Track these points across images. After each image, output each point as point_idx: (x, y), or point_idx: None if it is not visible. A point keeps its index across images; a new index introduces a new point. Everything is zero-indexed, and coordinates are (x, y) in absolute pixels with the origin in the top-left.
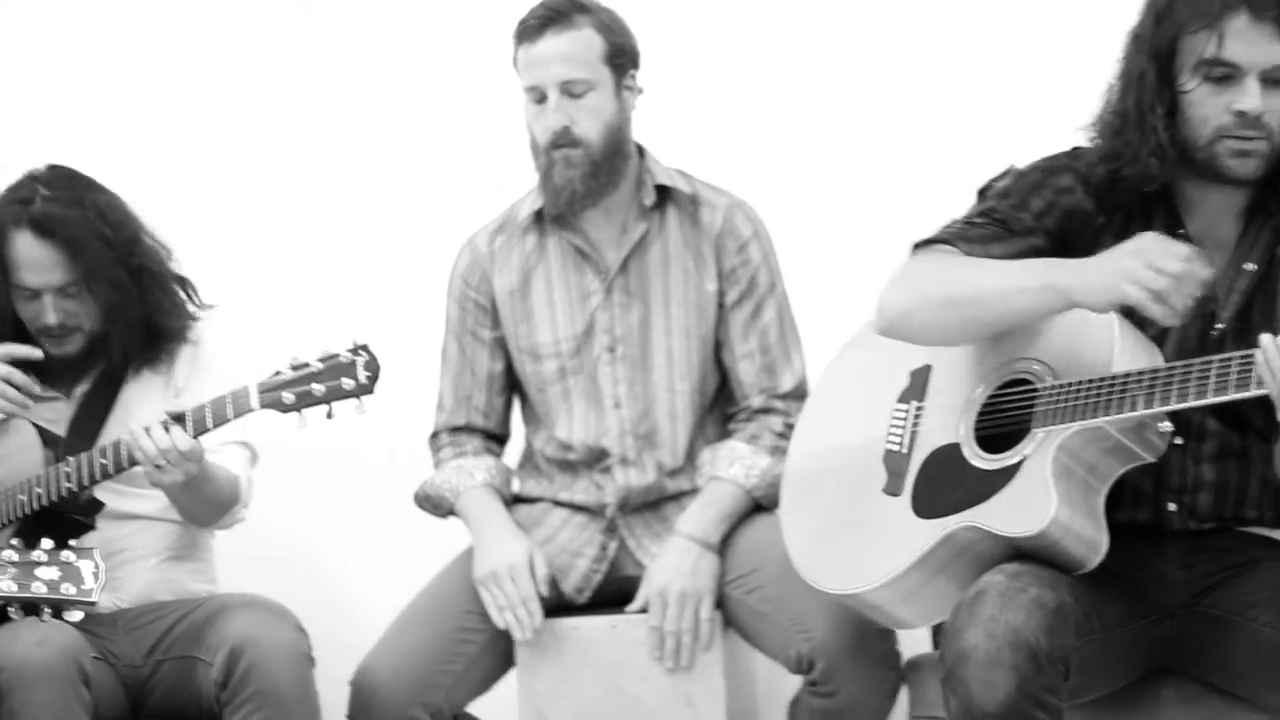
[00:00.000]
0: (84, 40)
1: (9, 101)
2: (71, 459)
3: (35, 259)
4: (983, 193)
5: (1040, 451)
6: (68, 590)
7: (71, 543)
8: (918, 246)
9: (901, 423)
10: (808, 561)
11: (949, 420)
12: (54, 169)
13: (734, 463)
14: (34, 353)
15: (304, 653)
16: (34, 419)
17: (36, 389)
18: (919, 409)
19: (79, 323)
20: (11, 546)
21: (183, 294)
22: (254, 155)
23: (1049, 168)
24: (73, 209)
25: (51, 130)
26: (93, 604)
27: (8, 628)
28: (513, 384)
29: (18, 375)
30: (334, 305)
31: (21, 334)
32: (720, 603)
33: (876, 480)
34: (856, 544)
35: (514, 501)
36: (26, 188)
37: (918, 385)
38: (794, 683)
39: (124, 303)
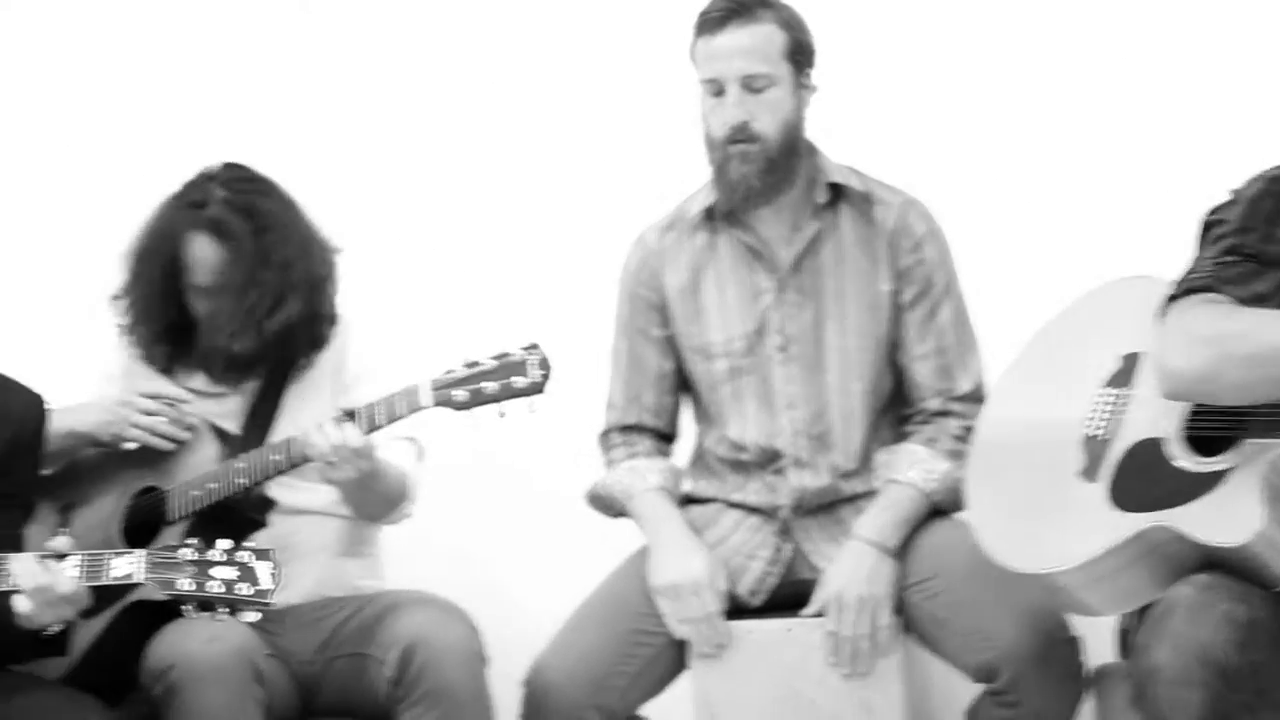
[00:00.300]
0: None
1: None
2: (245, 455)
3: (210, 259)
4: (1209, 224)
5: (1251, 463)
6: (244, 590)
7: (249, 544)
8: (1174, 297)
9: (1106, 408)
10: (993, 535)
11: (1155, 413)
12: (230, 168)
13: (913, 466)
14: (179, 393)
15: (477, 652)
16: (204, 414)
17: (190, 421)
18: (1125, 396)
19: (251, 320)
20: (189, 545)
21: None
22: (434, 154)
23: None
24: (242, 214)
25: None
26: (269, 605)
27: (180, 623)
28: (683, 383)
29: (168, 411)
30: (505, 305)
31: (185, 333)
32: (899, 608)
33: (1073, 463)
34: (1048, 524)
35: (685, 502)
36: (201, 189)
37: (1126, 372)
38: (971, 690)
39: (285, 304)
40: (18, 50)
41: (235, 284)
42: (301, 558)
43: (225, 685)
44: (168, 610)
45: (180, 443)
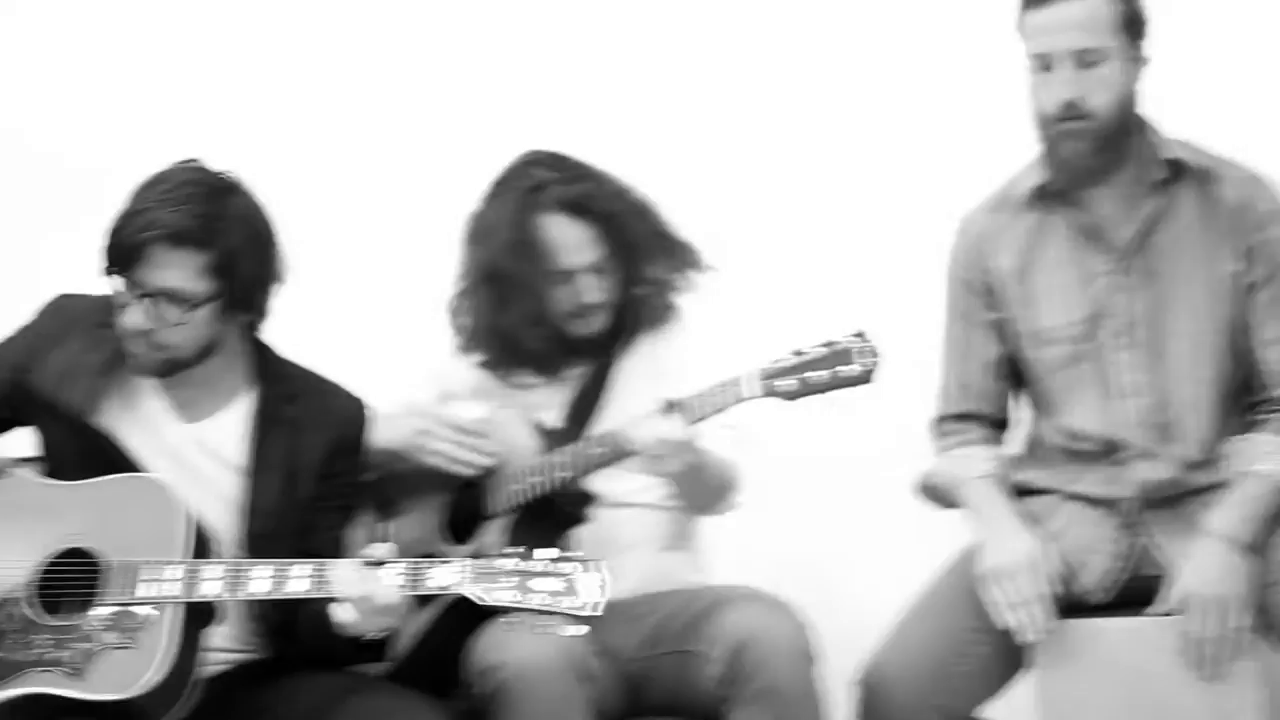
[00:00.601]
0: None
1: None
2: (565, 449)
3: (571, 239)
4: None
5: None
6: (568, 604)
7: (574, 554)
8: None
9: None
10: None
11: None
12: (538, 153)
13: (1266, 456)
14: (480, 413)
15: (808, 649)
16: (525, 406)
17: (490, 448)
18: None
19: (609, 299)
20: (510, 554)
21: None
22: (756, 139)
23: None
24: (592, 184)
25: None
26: (596, 617)
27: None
28: (1016, 369)
29: (467, 440)
30: (830, 290)
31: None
32: (1259, 607)
33: None
34: None
35: (1019, 493)
36: (527, 175)
37: None
38: None
39: (638, 273)
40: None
41: (590, 262)
42: (624, 551)
43: (554, 686)
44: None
45: (481, 469)
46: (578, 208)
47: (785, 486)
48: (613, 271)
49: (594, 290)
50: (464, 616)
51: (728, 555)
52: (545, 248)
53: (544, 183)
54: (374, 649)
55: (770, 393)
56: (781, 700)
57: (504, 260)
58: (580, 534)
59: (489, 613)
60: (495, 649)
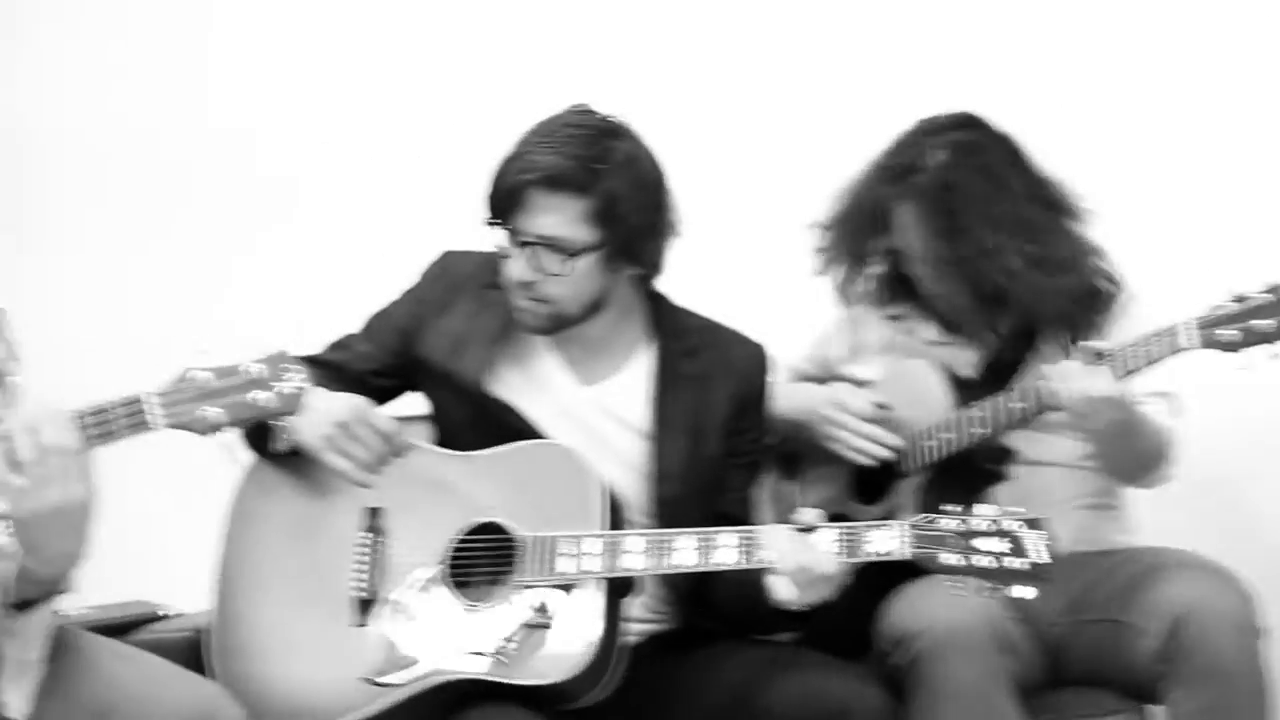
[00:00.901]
0: None
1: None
2: (981, 404)
3: (909, 229)
4: None
5: None
6: (1015, 564)
7: (1015, 510)
8: None
9: None
10: None
11: None
12: (964, 119)
13: None
14: (876, 372)
15: (1254, 624)
16: (939, 359)
17: (892, 440)
18: None
19: (952, 293)
20: (950, 513)
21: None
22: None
23: None
24: (953, 188)
25: None
26: (1045, 580)
27: (921, 586)
28: None
29: (872, 432)
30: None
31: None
32: None
33: None
34: None
35: None
36: (918, 145)
37: None
38: None
39: (1008, 278)
40: None
41: (929, 257)
42: (1045, 510)
43: (976, 657)
44: (901, 567)
45: (881, 461)
46: (926, 204)
47: (1220, 435)
48: (960, 273)
49: (929, 282)
50: (875, 578)
51: (1158, 516)
52: (891, 224)
53: (920, 166)
54: (798, 618)
55: (1210, 343)
56: (1224, 681)
57: (855, 218)
58: (998, 492)
59: (905, 573)
60: (911, 616)
